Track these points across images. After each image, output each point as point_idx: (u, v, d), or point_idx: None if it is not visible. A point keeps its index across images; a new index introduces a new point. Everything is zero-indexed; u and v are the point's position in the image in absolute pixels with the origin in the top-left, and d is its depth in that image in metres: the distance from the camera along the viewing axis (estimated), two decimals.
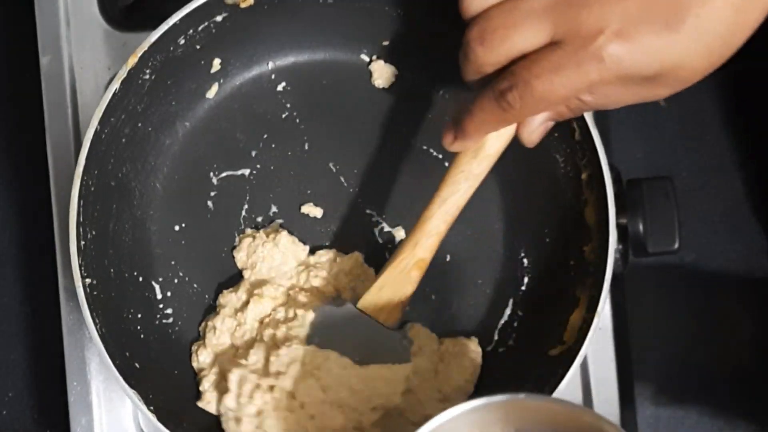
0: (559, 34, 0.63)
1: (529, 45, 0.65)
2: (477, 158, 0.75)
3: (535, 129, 0.71)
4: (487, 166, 0.76)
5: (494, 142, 0.74)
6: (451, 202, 0.77)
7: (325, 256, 0.86)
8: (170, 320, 0.86)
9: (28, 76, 0.90)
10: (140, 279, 0.85)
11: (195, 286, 0.86)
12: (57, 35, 0.89)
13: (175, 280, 0.86)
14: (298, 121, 0.88)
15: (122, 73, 0.78)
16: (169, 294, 0.86)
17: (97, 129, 0.77)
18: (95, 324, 0.77)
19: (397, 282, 0.80)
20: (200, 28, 0.81)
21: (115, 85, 0.78)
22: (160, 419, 0.77)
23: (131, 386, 0.77)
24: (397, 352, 0.81)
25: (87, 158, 0.77)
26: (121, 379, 0.77)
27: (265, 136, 0.87)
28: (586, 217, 0.82)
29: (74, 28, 0.89)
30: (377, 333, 0.80)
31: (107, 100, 0.78)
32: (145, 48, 0.78)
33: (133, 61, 0.78)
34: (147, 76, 0.80)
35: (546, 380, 0.78)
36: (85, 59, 0.89)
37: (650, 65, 0.63)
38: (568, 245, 0.83)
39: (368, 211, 0.87)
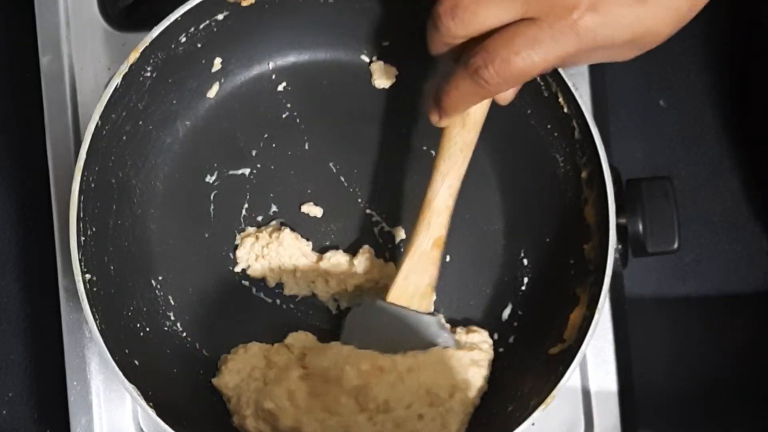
0: (532, 10, 0.65)
1: (501, 20, 0.66)
2: (466, 127, 0.77)
3: (510, 93, 0.73)
4: (477, 132, 0.77)
5: (479, 108, 0.75)
6: (452, 175, 0.78)
7: (333, 257, 0.86)
8: (170, 318, 0.86)
9: (28, 76, 0.90)
10: (140, 277, 0.85)
11: (195, 284, 0.86)
12: (57, 35, 0.89)
13: (175, 279, 0.86)
14: (298, 120, 0.87)
15: (124, 68, 0.78)
16: (168, 292, 0.86)
17: (98, 124, 0.77)
18: (95, 320, 0.77)
19: (420, 266, 0.80)
20: (201, 26, 0.81)
21: (117, 80, 0.78)
22: (159, 415, 0.77)
23: (131, 382, 0.77)
24: (438, 336, 0.81)
25: (88, 153, 0.77)
26: (120, 374, 0.77)
27: (266, 135, 0.87)
28: (586, 215, 0.82)
29: (74, 28, 0.89)
30: (414, 322, 0.81)
31: (108, 95, 0.78)
32: (147, 43, 0.78)
33: (134, 56, 0.78)
34: (148, 74, 0.80)
35: (546, 378, 0.78)
36: (84, 59, 0.89)
37: (622, 35, 0.65)
38: (568, 244, 0.83)
39: (368, 211, 0.87)
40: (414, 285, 0.80)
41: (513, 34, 0.66)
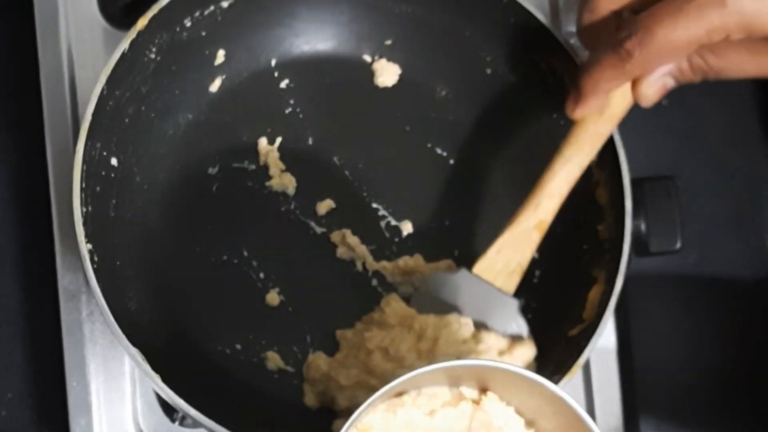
0: None
1: None
2: (602, 118, 0.74)
3: (653, 83, 0.70)
4: (612, 126, 0.75)
5: (620, 101, 0.73)
6: (574, 162, 0.76)
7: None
8: (170, 309, 0.84)
9: (28, 74, 0.90)
10: (141, 266, 0.84)
11: (195, 275, 0.85)
12: (56, 33, 0.89)
13: (176, 269, 0.85)
14: (301, 116, 0.87)
15: (132, 34, 0.78)
16: (169, 281, 0.85)
17: (103, 92, 0.77)
18: (97, 284, 0.75)
19: (517, 244, 0.78)
20: (206, 12, 0.81)
21: (124, 45, 0.78)
22: (164, 380, 0.75)
23: (133, 344, 0.75)
24: (513, 323, 0.79)
25: (91, 123, 0.77)
26: (123, 338, 0.75)
27: (269, 130, 0.87)
28: (598, 197, 0.82)
29: (73, 27, 0.89)
30: (494, 300, 0.78)
31: (115, 60, 0.77)
32: (155, 11, 0.78)
33: (142, 23, 0.78)
34: (153, 55, 0.81)
35: (569, 356, 0.77)
36: (84, 58, 0.89)
37: None
38: (581, 230, 0.83)
39: (374, 205, 0.86)
40: (504, 261, 0.78)
41: (660, 6, 0.65)
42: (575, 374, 0.76)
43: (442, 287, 0.79)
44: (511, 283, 0.78)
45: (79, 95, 0.88)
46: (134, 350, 0.75)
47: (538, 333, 0.82)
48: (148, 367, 0.75)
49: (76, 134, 0.87)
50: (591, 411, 0.87)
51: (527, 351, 0.79)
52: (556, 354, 0.80)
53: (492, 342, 0.78)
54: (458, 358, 0.77)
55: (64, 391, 0.86)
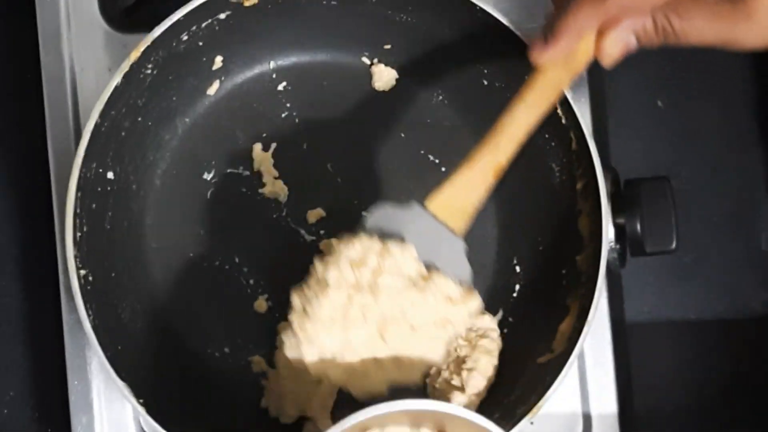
0: None
1: None
2: (566, 67, 0.73)
3: (618, 40, 0.70)
4: (571, 77, 0.74)
5: (583, 54, 0.72)
6: (534, 108, 0.74)
7: None
8: (164, 316, 0.85)
9: (29, 77, 0.90)
10: (136, 273, 0.85)
11: (189, 281, 0.86)
12: (58, 36, 0.89)
13: (170, 275, 0.86)
14: (297, 121, 0.88)
15: (125, 67, 0.78)
16: (163, 288, 0.86)
17: (97, 122, 0.78)
18: (88, 315, 0.77)
19: (473, 183, 0.75)
20: (203, 26, 0.81)
21: (117, 79, 0.78)
22: (149, 412, 0.77)
23: (122, 378, 0.77)
24: (458, 266, 0.77)
25: (86, 150, 0.77)
26: (112, 371, 0.77)
27: (264, 135, 0.87)
28: (580, 226, 0.81)
29: (75, 30, 0.90)
30: (443, 239, 0.76)
31: (108, 93, 0.78)
32: (149, 42, 0.78)
33: (135, 55, 0.78)
34: (149, 71, 0.81)
35: (534, 387, 0.77)
36: (85, 60, 0.89)
37: None
38: (561, 254, 0.83)
39: (364, 213, 0.86)
40: (459, 201, 0.75)
41: None
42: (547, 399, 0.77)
43: (390, 221, 0.77)
44: (462, 224, 0.76)
45: (81, 96, 0.89)
46: (122, 383, 0.77)
47: (509, 353, 0.83)
48: (134, 401, 0.77)
49: (78, 134, 0.88)
50: (587, 414, 0.87)
51: (474, 302, 0.78)
52: (523, 381, 0.80)
53: (441, 285, 0.76)
54: (402, 291, 0.74)
55: (65, 389, 0.87)
